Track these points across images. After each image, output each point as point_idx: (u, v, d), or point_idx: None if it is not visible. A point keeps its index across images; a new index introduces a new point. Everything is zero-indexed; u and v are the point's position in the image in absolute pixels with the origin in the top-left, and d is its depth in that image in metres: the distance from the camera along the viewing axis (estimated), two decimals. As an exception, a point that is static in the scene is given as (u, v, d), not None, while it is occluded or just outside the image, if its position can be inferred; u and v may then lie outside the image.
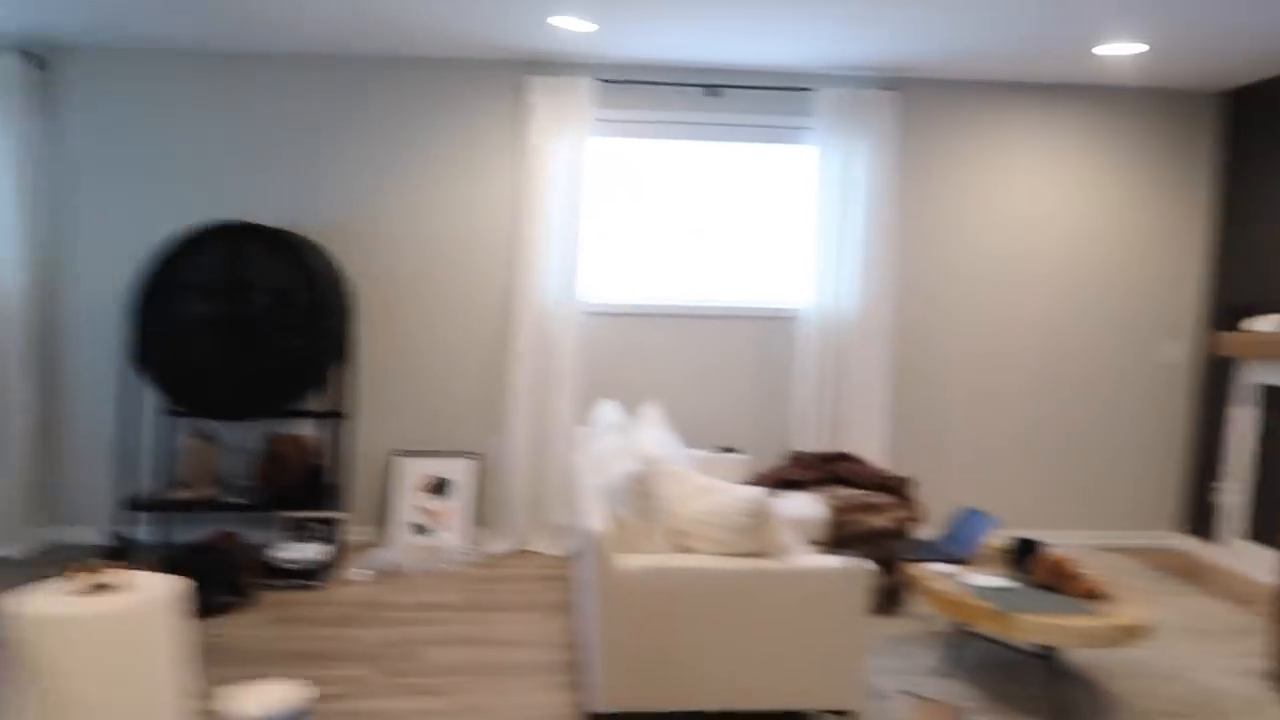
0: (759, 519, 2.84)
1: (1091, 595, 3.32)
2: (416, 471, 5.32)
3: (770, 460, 5.50)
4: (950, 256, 5.57)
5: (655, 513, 2.90)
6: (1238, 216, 5.51)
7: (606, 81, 5.27)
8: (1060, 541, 5.74)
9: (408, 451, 5.37)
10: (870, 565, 2.92)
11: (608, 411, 4.31)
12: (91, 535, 5.26)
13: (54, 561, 4.94)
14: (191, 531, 5.27)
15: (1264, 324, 5.00)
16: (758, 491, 2.86)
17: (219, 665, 3.69)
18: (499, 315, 5.37)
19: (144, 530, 5.23)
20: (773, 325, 5.50)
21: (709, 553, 2.94)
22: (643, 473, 2.85)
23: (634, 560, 2.85)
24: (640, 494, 2.87)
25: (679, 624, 2.86)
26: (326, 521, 4.89)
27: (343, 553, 5.10)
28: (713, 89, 5.34)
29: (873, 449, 5.31)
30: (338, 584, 4.67)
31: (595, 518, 2.91)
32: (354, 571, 4.79)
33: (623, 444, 3.46)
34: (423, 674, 3.67)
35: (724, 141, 5.42)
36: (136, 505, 4.79)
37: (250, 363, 4.73)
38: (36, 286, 5.11)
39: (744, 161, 5.46)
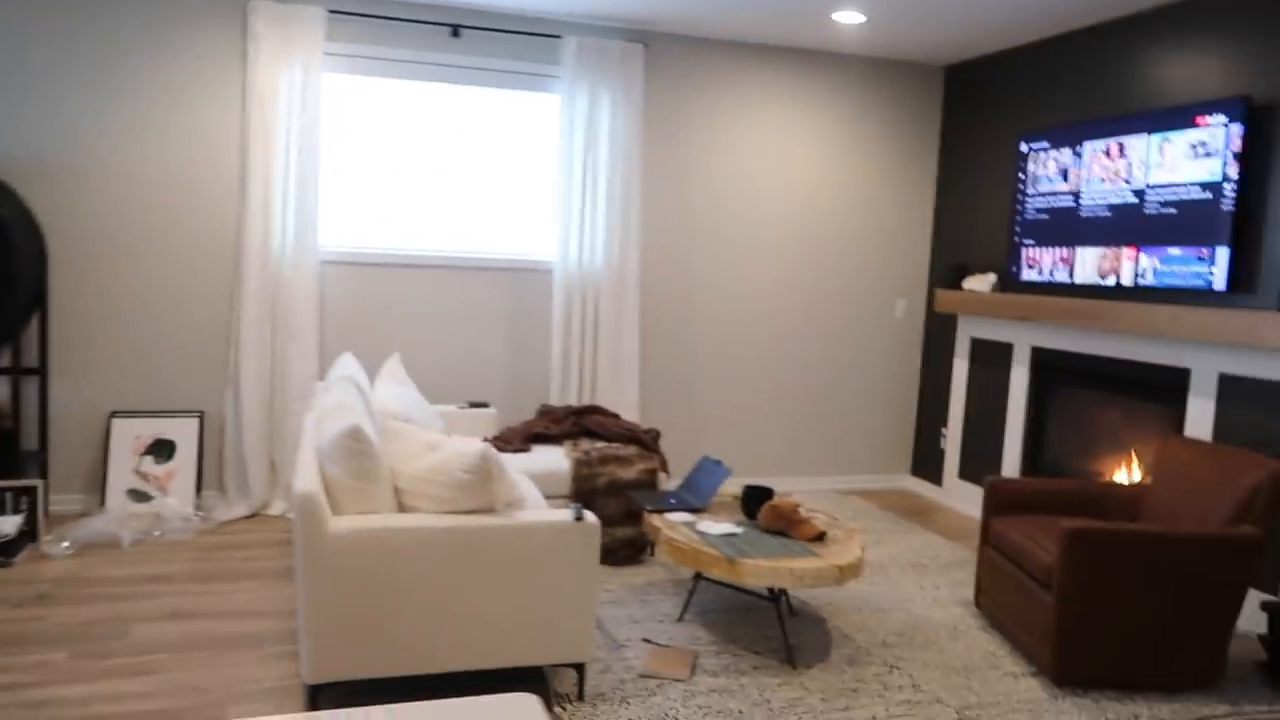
0: (482, 475, 2.72)
1: (816, 538, 3.45)
2: (135, 432, 4.83)
3: (523, 415, 5.41)
4: (696, 213, 5.64)
5: (372, 471, 2.72)
6: (950, 184, 5.91)
7: (337, 13, 4.90)
8: (806, 487, 6.02)
9: (125, 411, 4.86)
10: (597, 518, 2.87)
11: (345, 365, 4.05)
12: None
13: None
14: None
15: (974, 283, 5.40)
16: (481, 446, 2.73)
17: None
18: (227, 262, 4.93)
19: None
20: (525, 277, 5.38)
21: (432, 511, 2.79)
22: (355, 429, 2.66)
23: (344, 522, 2.66)
24: (355, 452, 2.68)
25: (397, 587, 2.71)
26: (19, 490, 4.34)
27: (42, 524, 4.55)
28: (455, 29, 5.08)
29: (625, 402, 5.33)
30: (34, 560, 4.17)
31: (304, 478, 2.69)
32: (55, 545, 4.29)
33: (351, 400, 3.24)
34: (130, 654, 3.32)
35: (468, 85, 5.19)
36: None
37: (-84, 311, 4.09)
38: None
39: (490, 107, 5.26)
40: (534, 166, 5.34)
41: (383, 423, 3.12)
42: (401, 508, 2.85)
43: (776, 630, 3.66)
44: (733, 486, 5.68)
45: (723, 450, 5.83)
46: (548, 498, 4.23)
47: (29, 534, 4.31)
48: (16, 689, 3.06)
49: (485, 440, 4.56)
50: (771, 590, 3.50)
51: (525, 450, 4.47)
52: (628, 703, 3.00)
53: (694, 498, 3.87)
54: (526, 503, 2.95)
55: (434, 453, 2.84)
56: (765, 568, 3.13)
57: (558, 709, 2.95)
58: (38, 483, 4.34)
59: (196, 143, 4.82)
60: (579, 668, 3.01)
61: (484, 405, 4.91)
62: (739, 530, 3.49)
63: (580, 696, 3.02)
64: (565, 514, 2.85)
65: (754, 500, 3.68)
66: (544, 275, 5.39)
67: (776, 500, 3.56)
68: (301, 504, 2.60)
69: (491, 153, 5.27)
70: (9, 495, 4.32)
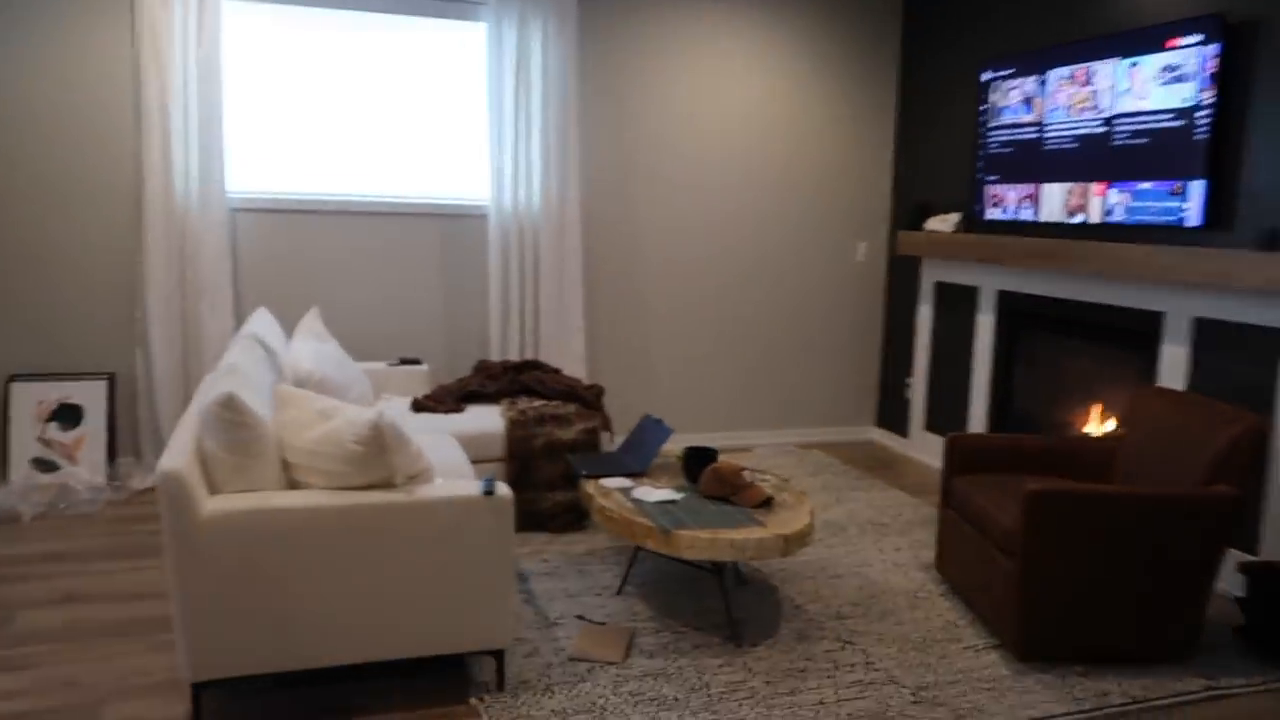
0: (375, 446, 2.41)
1: (762, 504, 3.18)
2: (38, 397, 4.46)
3: (460, 371, 5.08)
4: (640, 152, 5.26)
5: (251, 445, 2.39)
6: (910, 118, 5.57)
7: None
8: (766, 441, 5.76)
9: (26, 374, 4.48)
10: (510, 491, 2.57)
11: (257, 322, 3.70)
12: None
13: None
14: None
15: (938, 223, 5.09)
16: (373, 415, 2.41)
17: None
18: (128, 209, 4.51)
19: None
20: (458, 222, 5.00)
21: (324, 488, 2.48)
22: (228, 398, 2.33)
23: (219, 503, 2.34)
24: (230, 423, 2.35)
25: (284, 573, 2.40)
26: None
27: (-65, 499, 4.21)
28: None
29: (570, 356, 5.01)
30: (-78, 538, 3.84)
31: (174, 453, 2.37)
32: (-54, 522, 3.95)
33: (248, 361, 2.90)
34: (9, 645, 3.02)
35: (384, 13, 4.73)
36: None
37: None
38: None
39: (410, 38, 4.82)
40: (462, 102, 4.93)
41: (282, 390, 2.79)
42: (292, 484, 2.54)
43: (722, 603, 3.39)
44: (679, 446, 5.40)
45: (676, 405, 5.54)
46: (480, 461, 3.93)
47: (-85, 510, 3.97)
48: None
49: (418, 399, 4.25)
50: (714, 562, 3.23)
51: (458, 410, 4.15)
52: (552, 691, 2.73)
53: (633, 460, 3.58)
54: (434, 475, 2.64)
55: (326, 421, 2.51)
56: (702, 540, 2.85)
57: (474, 700, 2.68)
58: (-77, 455, 3.99)
59: (85, 78, 4.38)
60: (498, 654, 2.73)
61: (415, 362, 4.58)
62: (678, 496, 3.20)
63: (500, 685, 2.74)
64: (474, 488, 2.54)
65: (696, 462, 3.39)
66: (479, 220, 5.02)
67: (718, 463, 3.27)
68: (166, 483, 2.28)
69: (415, 88, 4.86)
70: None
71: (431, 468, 2.63)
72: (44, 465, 4.43)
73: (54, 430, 4.47)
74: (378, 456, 2.42)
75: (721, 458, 3.51)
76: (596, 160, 5.17)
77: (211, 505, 2.35)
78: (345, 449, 2.41)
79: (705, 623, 3.22)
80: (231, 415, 2.36)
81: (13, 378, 4.44)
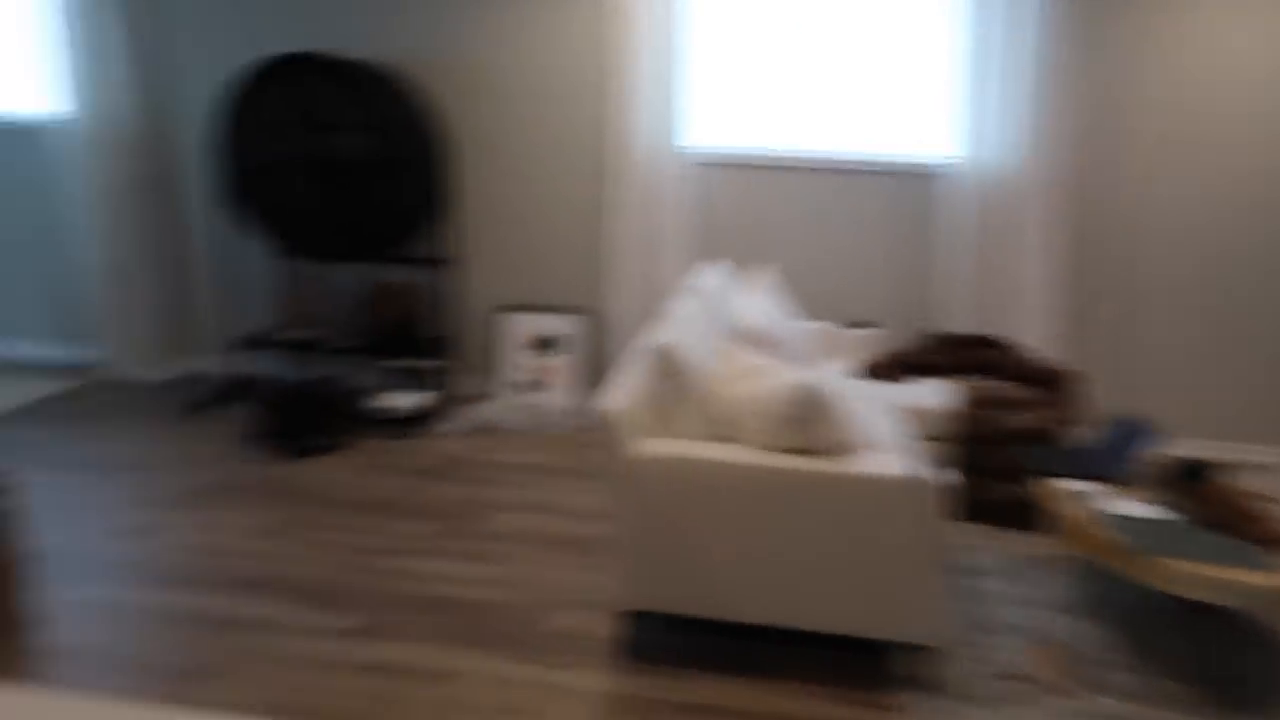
0: (800, 410, 2.26)
1: (1274, 541, 2.53)
2: (523, 326, 5.00)
3: (907, 339, 4.75)
4: (1147, 101, 4.41)
5: (680, 394, 2.38)
6: None
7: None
8: (1273, 460, 4.70)
9: (514, 305, 5.04)
10: (947, 475, 2.29)
11: (709, 274, 3.76)
12: (217, 366, 5.34)
13: (190, 388, 5.03)
14: (299, 372, 5.23)
15: None
16: (799, 381, 2.26)
17: (291, 507, 3.63)
18: (595, 164, 4.83)
19: (261, 366, 5.26)
20: (918, 182, 4.63)
21: (754, 445, 2.40)
22: (664, 348, 2.32)
23: (645, 446, 2.36)
24: (663, 372, 2.35)
25: (701, 521, 2.37)
26: (427, 372, 4.68)
27: (443, 404, 4.90)
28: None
29: (1035, 334, 4.44)
30: (431, 436, 4.49)
31: (613, 394, 2.43)
32: (450, 425, 4.59)
33: (689, 313, 2.92)
34: (482, 538, 3.42)
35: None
36: (249, 343, 4.78)
37: (345, 204, 4.49)
38: (151, 121, 5.09)
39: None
40: (930, 49, 4.51)
41: (717, 342, 2.76)
42: (721, 437, 2.49)
43: (1208, 652, 2.78)
44: (1163, 454, 4.58)
45: (1162, 403, 4.69)
46: (923, 439, 3.64)
47: (428, 413, 4.65)
48: (383, 553, 3.26)
49: (865, 365, 4.06)
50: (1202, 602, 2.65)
51: (900, 380, 3.88)
52: (979, 703, 2.42)
53: (1105, 464, 3.06)
54: (863, 447, 2.44)
55: (758, 379, 2.42)
56: (1189, 574, 2.32)
57: (894, 694, 2.46)
58: (443, 365, 4.64)
59: (556, 42, 4.69)
60: (923, 651, 2.48)
61: (867, 325, 4.37)
62: (1160, 516, 2.66)
63: (923, 685, 2.49)
64: (902, 468, 2.30)
65: (1186, 477, 2.79)
66: (940, 180, 4.61)
67: (1221, 481, 2.66)
68: (603, 421, 2.35)
69: (881, 34, 4.54)
70: (409, 376, 4.67)
71: (861, 440, 2.43)
72: (526, 386, 4.97)
73: (534, 357, 4.98)
74: (803, 421, 2.28)
75: (1219, 474, 2.86)
76: (1085, 119, 4.47)
77: (638, 448, 2.38)
78: (771, 409, 2.30)
79: (1181, 670, 2.66)
80: (664, 365, 2.36)
81: (504, 307, 5.01)
